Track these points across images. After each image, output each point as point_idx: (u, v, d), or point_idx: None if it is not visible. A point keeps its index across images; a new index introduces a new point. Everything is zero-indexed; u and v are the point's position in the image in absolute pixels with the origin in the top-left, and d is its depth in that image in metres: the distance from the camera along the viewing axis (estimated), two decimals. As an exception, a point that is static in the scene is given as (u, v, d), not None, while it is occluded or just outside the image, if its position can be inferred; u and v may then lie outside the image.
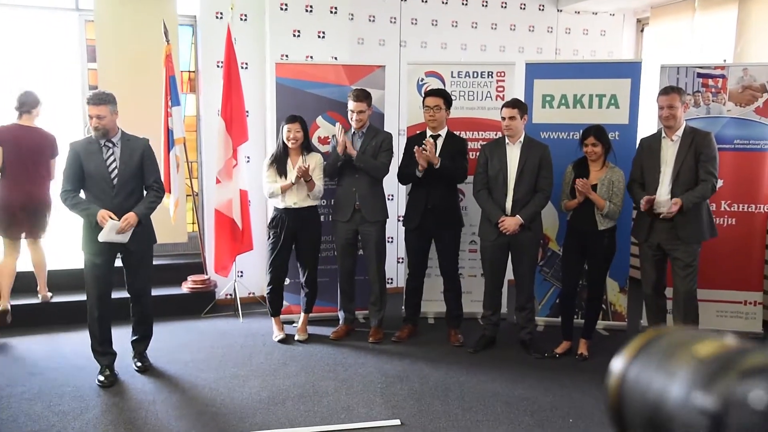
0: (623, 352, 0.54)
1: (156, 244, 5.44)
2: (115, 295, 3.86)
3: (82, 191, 3.73)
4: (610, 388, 0.52)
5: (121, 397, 3.57)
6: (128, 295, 3.97)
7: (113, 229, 3.60)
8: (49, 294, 4.88)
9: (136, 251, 3.81)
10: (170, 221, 4.95)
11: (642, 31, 6.64)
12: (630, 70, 4.67)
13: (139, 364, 3.95)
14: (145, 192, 3.85)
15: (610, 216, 4.04)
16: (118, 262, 3.89)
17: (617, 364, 0.54)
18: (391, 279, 5.76)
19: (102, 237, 3.60)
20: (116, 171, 3.70)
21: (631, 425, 0.51)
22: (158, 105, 4.90)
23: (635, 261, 4.91)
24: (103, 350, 3.84)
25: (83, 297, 4.32)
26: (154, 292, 5.00)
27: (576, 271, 4.24)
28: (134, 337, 4.03)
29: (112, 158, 3.71)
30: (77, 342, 4.40)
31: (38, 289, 4.83)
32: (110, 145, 3.71)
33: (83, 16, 5.30)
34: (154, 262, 5.35)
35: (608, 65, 4.86)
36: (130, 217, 3.66)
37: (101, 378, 3.75)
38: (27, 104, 4.54)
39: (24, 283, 4.83)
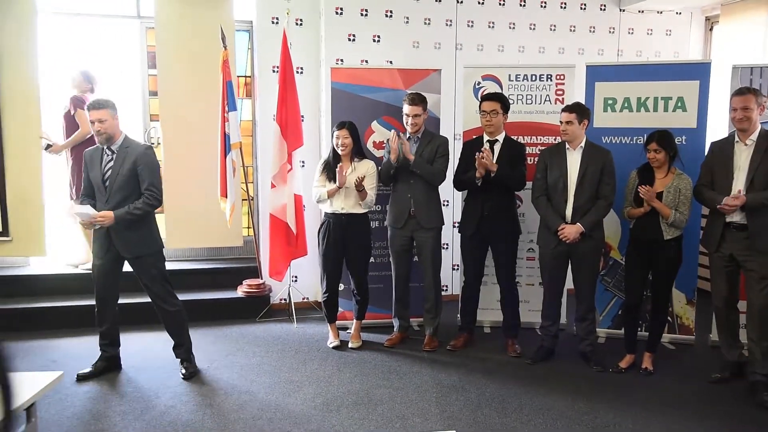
0: None
1: (212, 248, 5.61)
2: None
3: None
4: None
5: (179, 399, 3.67)
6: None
7: (86, 212, 3.76)
8: None
9: (136, 258, 3.92)
10: (226, 225, 5.07)
11: (711, 30, 6.42)
12: (698, 71, 4.53)
13: (183, 371, 4.02)
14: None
15: (676, 225, 3.92)
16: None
17: None
18: (447, 286, 5.74)
19: (75, 209, 3.89)
20: (109, 181, 3.84)
21: None
22: (215, 110, 5.03)
23: (704, 272, 4.75)
24: (104, 347, 4.03)
25: (142, 299, 4.49)
26: (211, 295, 5.19)
27: (640, 282, 4.14)
28: (173, 345, 4.13)
29: (109, 165, 3.85)
30: (135, 343, 4.56)
31: None
32: (109, 152, 3.86)
33: (144, 24, 5.50)
34: (210, 266, 5.55)
35: (675, 66, 4.72)
36: (106, 214, 3.77)
37: (82, 371, 3.95)
38: None
39: (80, 284, 5.04)
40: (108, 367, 4.02)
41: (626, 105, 4.66)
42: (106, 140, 3.80)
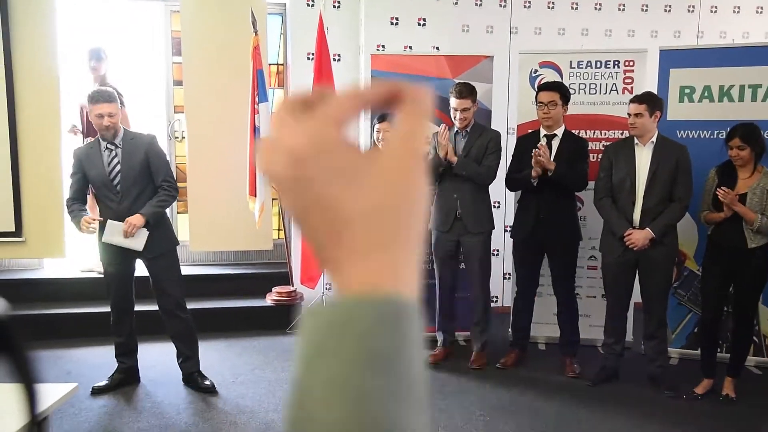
0: None
1: (239, 251, 5.67)
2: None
3: (88, 198, 4.03)
4: None
5: (201, 416, 3.73)
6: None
7: (116, 231, 3.80)
8: None
9: (154, 258, 3.97)
10: (255, 227, 5.13)
11: (808, 7, 6.20)
12: (794, 54, 4.39)
13: (206, 383, 4.06)
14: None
15: (763, 232, 3.80)
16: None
17: None
18: (496, 297, 5.69)
19: (105, 238, 3.84)
20: (119, 175, 3.87)
21: None
22: (245, 101, 5.10)
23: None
24: (120, 357, 4.10)
25: (151, 306, 4.59)
26: (237, 303, 5.25)
27: (719, 296, 4.02)
28: (180, 359, 4.14)
29: (115, 161, 3.87)
30: (156, 354, 4.65)
31: None
32: (112, 147, 3.88)
33: (168, 7, 5.62)
34: (237, 271, 5.62)
35: (765, 49, 4.56)
36: (134, 219, 3.82)
37: (100, 382, 4.02)
38: None
39: (96, 289, 5.18)
40: (125, 379, 4.11)
41: (706, 94, 4.54)
42: (112, 136, 3.86)
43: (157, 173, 3.95)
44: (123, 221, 3.81)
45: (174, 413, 3.77)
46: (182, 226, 5.78)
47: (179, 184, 5.67)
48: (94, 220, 3.82)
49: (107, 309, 5.00)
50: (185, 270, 5.60)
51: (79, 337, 4.91)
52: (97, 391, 3.99)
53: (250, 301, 5.37)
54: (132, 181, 3.88)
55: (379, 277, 0.42)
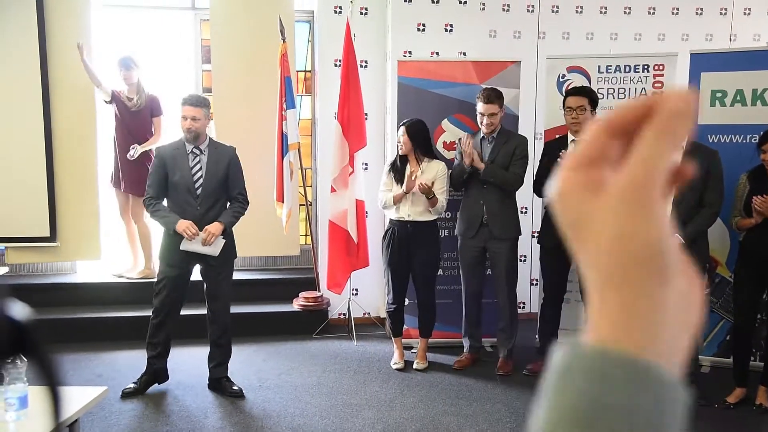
0: None
1: (267, 257, 5.72)
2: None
3: (165, 199, 4.01)
4: None
5: (228, 421, 3.76)
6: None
7: (197, 240, 3.85)
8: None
9: (216, 265, 4.02)
10: (282, 232, 5.17)
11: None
12: (827, 57, 4.29)
13: (235, 388, 4.09)
14: (228, 204, 4.08)
15: (797, 238, 3.71)
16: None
17: None
18: (524, 303, 5.64)
19: (184, 246, 3.87)
20: (201, 180, 3.92)
21: None
22: (273, 107, 5.15)
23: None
24: (152, 359, 4.09)
25: (191, 310, 4.62)
26: (264, 308, 5.29)
27: (752, 303, 3.94)
28: (212, 364, 4.17)
29: (198, 166, 3.93)
30: (183, 358, 4.70)
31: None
32: (197, 152, 3.94)
33: (198, 15, 5.70)
34: (264, 276, 5.66)
35: (799, 52, 4.48)
36: (213, 227, 3.89)
37: (129, 385, 4.03)
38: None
39: (128, 293, 5.27)
40: (154, 380, 4.15)
41: (738, 98, 4.46)
42: (194, 138, 3.92)
43: (234, 185, 4.04)
44: (197, 226, 3.88)
45: (201, 417, 3.80)
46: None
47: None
48: (197, 230, 3.86)
49: (138, 313, 5.12)
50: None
51: (110, 340, 4.99)
52: (126, 395, 4.03)
53: (276, 306, 5.40)
54: (212, 188, 3.95)
55: (617, 329, 0.37)
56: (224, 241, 3.96)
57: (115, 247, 5.73)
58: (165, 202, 4.01)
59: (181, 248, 3.89)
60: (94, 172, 5.32)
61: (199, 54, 5.72)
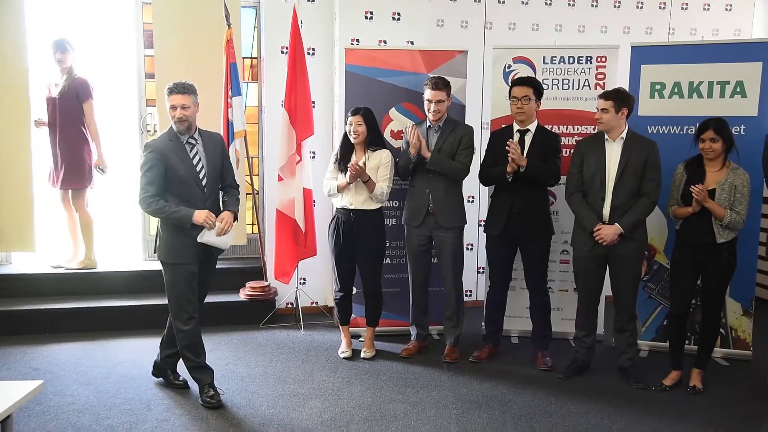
0: None
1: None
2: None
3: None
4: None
5: (172, 413, 3.69)
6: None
7: (212, 232, 3.68)
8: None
9: (212, 257, 3.89)
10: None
11: (777, 4, 6.28)
12: (762, 51, 4.43)
13: (212, 398, 3.84)
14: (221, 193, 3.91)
15: (731, 227, 3.84)
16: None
17: None
18: (470, 291, 5.71)
19: (201, 238, 3.66)
20: (204, 171, 3.73)
21: None
22: (218, 95, 5.05)
23: (763, 278, 4.66)
24: (201, 367, 3.88)
25: (133, 302, 4.51)
26: (210, 298, 5.13)
27: (688, 289, 4.06)
28: (170, 353, 4.00)
29: (197, 157, 3.72)
30: (127, 350, 4.61)
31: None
32: (193, 142, 3.73)
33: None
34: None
35: (734, 46, 4.61)
36: (227, 215, 3.73)
37: (207, 398, 3.79)
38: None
39: (70, 285, 5.14)
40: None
41: (676, 90, 4.58)
42: (186, 129, 3.68)
43: (228, 174, 3.89)
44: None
45: (145, 410, 3.72)
46: (154, 221, 5.70)
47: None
48: (212, 216, 3.64)
49: (76, 305, 5.00)
50: (158, 265, 5.56)
51: (48, 333, 4.85)
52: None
53: (223, 296, 5.32)
54: (213, 178, 3.77)
55: None
56: (232, 230, 3.81)
57: (54, 238, 5.55)
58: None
59: (198, 240, 3.66)
60: (28, 162, 5.10)
61: (141, 39, 5.56)
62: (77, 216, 5.26)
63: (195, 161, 3.69)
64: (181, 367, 4.09)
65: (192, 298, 3.77)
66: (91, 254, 5.30)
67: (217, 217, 3.69)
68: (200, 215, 3.60)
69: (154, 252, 3.81)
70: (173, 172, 3.63)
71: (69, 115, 5.10)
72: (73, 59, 5.10)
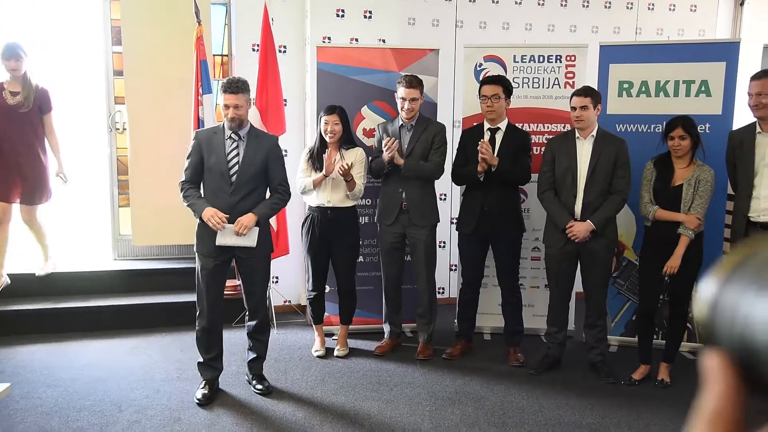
0: (716, 270, 0.61)
1: (183, 245, 5.54)
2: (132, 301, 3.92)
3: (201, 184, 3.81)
4: (700, 304, 0.60)
5: (144, 414, 3.64)
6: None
7: (228, 232, 3.67)
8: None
9: (248, 258, 3.83)
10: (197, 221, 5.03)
11: (741, 5, 6.41)
12: (725, 51, 4.52)
13: (259, 387, 3.96)
14: (268, 194, 3.91)
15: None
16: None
17: (709, 283, 0.61)
18: (443, 289, 5.73)
19: (219, 241, 3.67)
20: (237, 167, 3.71)
21: (721, 342, 0.58)
22: (188, 92, 4.99)
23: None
24: (209, 363, 3.90)
25: (102, 302, 4.39)
26: (181, 297, 5.15)
27: (656, 285, 4.12)
28: (252, 356, 4.05)
29: (234, 153, 3.72)
30: (96, 351, 4.53)
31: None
32: (236, 138, 3.73)
33: (108, -5, 5.45)
34: (181, 266, 5.51)
35: (699, 46, 4.70)
36: (246, 219, 3.69)
37: (198, 395, 3.80)
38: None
39: (37, 286, 5.03)
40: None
41: (644, 89, 4.65)
42: (238, 126, 3.71)
43: (275, 176, 3.84)
44: (229, 216, 3.67)
45: (115, 411, 3.66)
46: (124, 220, 5.63)
47: (120, 177, 5.57)
48: (224, 219, 3.62)
49: (42, 306, 4.89)
50: (128, 265, 5.50)
51: (12, 334, 4.75)
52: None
53: (194, 295, 5.22)
54: (248, 177, 3.73)
55: None
56: (257, 230, 3.75)
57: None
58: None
59: (216, 244, 3.68)
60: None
61: (109, 35, 5.47)
62: (33, 228, 4.93)
63: (230, 156, 3.71)
64: (153, 367, 4.04)
65: (205, 294, 3.81)
66: (48, 257, 5.08)
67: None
68: (206, 213, 3.63)
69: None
70: (206, 162, 3.72)
71: (32, 129, 4.73)
72: (27, 66, 4.70)
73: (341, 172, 4.21)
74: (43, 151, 4.82)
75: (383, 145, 4.31)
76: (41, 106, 4.76)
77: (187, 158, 3.79)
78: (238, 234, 3.69)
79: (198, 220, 3.77)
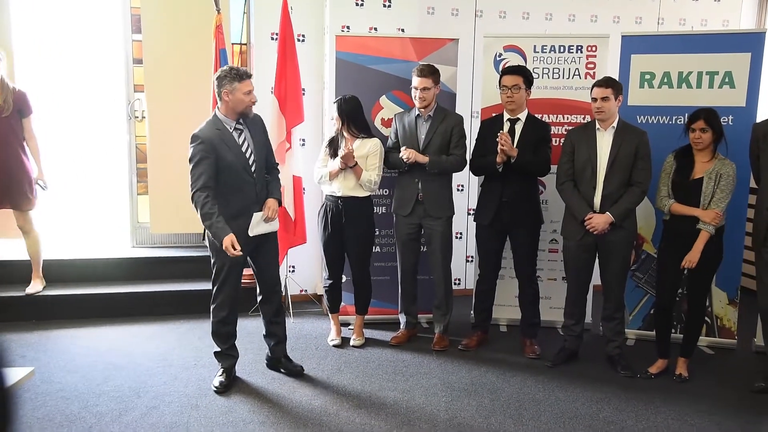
0: None
1: (201, 234, 5.56)
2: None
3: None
4: None
5: (162, 400, 3.69)
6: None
7: (258, 220, 3.71)
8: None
9: (266, 241, 3.87)
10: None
11: (765, -4, 6.32)
12: (751, 42, 4.45)
13: (291, 366, 4.07)
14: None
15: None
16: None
17: None
18: (459, 280, 5.73)
19: (253, 232, 3.70)
20: (253, 156, 3.69)
21: None
22: (207, 81, 5.00)
23: (749, 268, 4.70)
24: (226, 352, 3.95)
25: (120, 289, 4.40)
26: (199, 285, 5.18)
27: (675, 278, 4.09)
28: (271, 343, 4.10)
29: (245, 143, 3.68)
30: (114, 337, 4.59)
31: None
32: (240, 127, 3.68)
33: (128, -17, 5.47)
34: (199, 254, 5.55)
35: (723, 37, 4.63)
36: (272, 203, 3.76)
37: (216, 382, 3.85)
38: None
39: (53, 272, 5.10)
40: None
41: (666, 80, 4.60)
42: (251, 112, 3.72)
43: (270, 155, 3.87)
44: (257, 208, 3.71)
45: (134, 396, 3.71)
46: (142, 208, 5.68)
47: (139, 165, 5.62)
48: (239, 252, 3.51)
49: (62, 292, 4.95)
50: (146, 252, 5.55)
51: (33, 320, 4.82)
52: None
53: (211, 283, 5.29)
54: (261, 162, 3.75)
55: None
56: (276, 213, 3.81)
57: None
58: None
59: (250, 234, 3.68)
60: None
61: (129, 23, 5.49)
62: (28, 237, 4.85)
63: (244, 148, 3.67)
64: (171, 354, 4.08)
65: (230, 285, 3.81)
66: (39, 276, 5.00)
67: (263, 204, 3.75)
68: (226, 241, 3.47)
69: None
70: (222, 161, 3.57)
71: (13, 133, 4.61)
72: (2, 70, 4.56)
73: (342, 155, 4.21)
74: (26, 155, 4.73)
75: (404, 152, 4.32)
76: (21, 109, 4.64)
77: (195, 165, 3.53)
78: (268, 220, 3.73)
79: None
